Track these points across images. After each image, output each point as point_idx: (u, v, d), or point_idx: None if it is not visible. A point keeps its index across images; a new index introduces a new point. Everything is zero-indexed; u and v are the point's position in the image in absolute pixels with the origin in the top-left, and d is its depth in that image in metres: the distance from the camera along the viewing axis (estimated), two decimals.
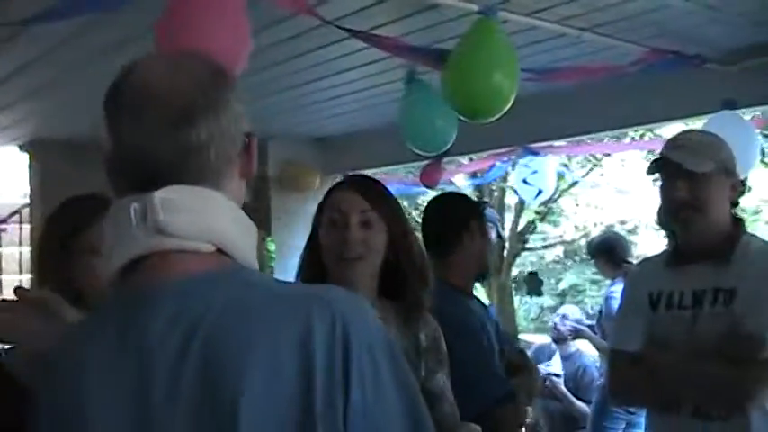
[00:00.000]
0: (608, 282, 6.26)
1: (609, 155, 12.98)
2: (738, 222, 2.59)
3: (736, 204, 2.58)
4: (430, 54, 3.56)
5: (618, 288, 5.83)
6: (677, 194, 2.48)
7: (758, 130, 5.67)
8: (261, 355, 1.09)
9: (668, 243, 2.71)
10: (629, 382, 2.62)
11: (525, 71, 3.48)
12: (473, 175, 10.78)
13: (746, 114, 4.94)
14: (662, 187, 2.57)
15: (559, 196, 14.12)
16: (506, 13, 3.45)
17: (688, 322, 2.48)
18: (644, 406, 2.64)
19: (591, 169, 14.26)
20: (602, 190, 15.79)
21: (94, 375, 1.16)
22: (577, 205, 16.04)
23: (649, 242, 17.07)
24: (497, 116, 3.31)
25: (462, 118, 3.41)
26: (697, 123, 5.26)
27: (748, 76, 4.32)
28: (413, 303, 2.15)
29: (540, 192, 6.04)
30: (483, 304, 3.06)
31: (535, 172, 5.93)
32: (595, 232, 15.52)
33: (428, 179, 6.19)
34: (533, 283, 8.88)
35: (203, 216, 1.17)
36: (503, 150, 6.13)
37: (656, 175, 2.59)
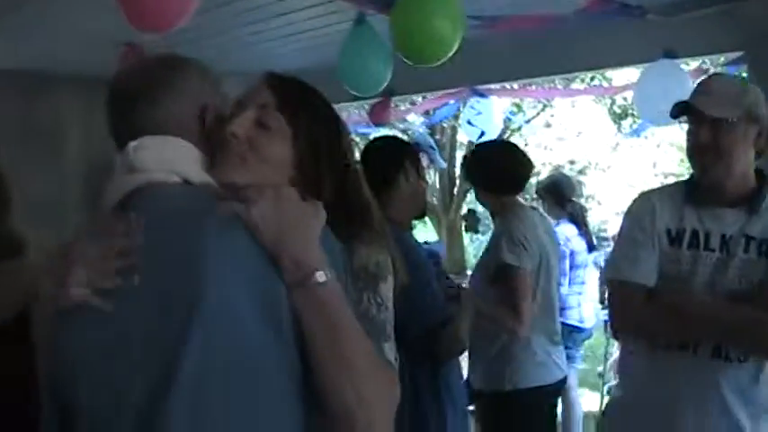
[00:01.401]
0: (551, 218, 6.44)
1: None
2: (760, 173, 2.53)
3: (761, 153, 2.51)
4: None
5: (563, 229, 6.00)
6: (699, 140, 2.45)
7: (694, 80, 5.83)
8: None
9: (688, 180, 2.61)
10: (647, 316, 2.50)
11: (471, 18, 3.57)
12: (426, 113, 10.90)
13: (686, 64, 5.09)
14: (687, 131, 2.54)
15: (510, 136, 14.29)
16: None
17: (713, 264, 2.45)
18: (656, 342, 2.50)
19: (542, 110, 14.44)
20: (553, 130, 16.00)
21: None
22: (526, 145, 16.25)
23: (598, 182, 17.42)
24: (441, 61, 3.42)
25: (408, 62, 3.50)
26: (637, 71, 5.42)
27: (687, 28, 4.44)
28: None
29: (482, 133, 6.16)
30: (417, 240, 3.24)
31: (479, 113, 6.03)
32: (545, 172, 15.78)
33: (377, 118, 6.28)
34: (471, 221, 9.05)
35: (165, 153, 1.51)
36: (451, 91, 6.23)
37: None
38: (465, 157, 4.08)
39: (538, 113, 14.40)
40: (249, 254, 1.37)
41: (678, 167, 16.71)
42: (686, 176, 2.65)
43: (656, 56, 4.59)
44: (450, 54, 3.35)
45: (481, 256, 3.93)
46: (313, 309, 1.36)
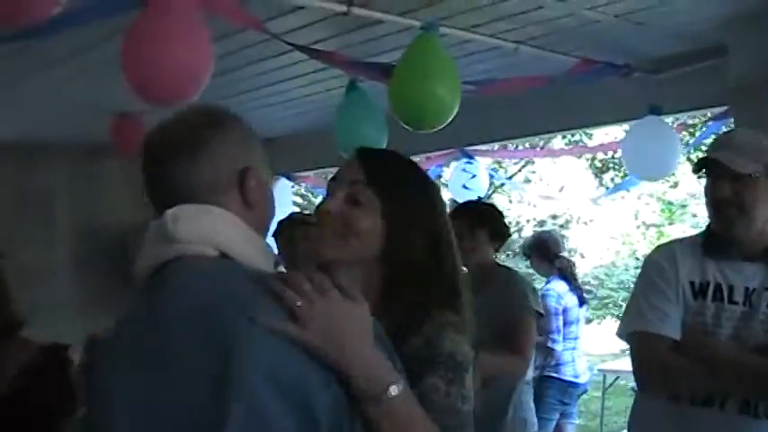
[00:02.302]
0: (540, 276, 6.46)
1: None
2: None
3: None
4: (373, 68, 3.71)
5: (554, 286, 6.00)
6: (721, 194, 2.43)
7: (681, 135, 5.95)
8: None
9: (705, 232, 2.59)
10: (673, 368, 2.43)
11: (465, 83, 3.65)
12: None
13: (669, 119, 5.19)
14: (706, 186, 2.51)
15: (493, 192, 14.40)
16: (445, 27, 3.61)
17: (738, 318, 2.42)
18: (683, 395, 2.44)
19: (523, 166, 14.60)
20: (535, 186, 16.12)
21: (126, 347, 1.42)
22: (510, 201, 16.35)
23: (581, 235, 17.51)
24: (441, 126, 3.49)
25: (407, 128, 3.57)
26: (625, 128, 5.52)
27: (672, 84, 4.54)
28: (404, 318, 1.59)
29: (479, 197, 6.22)
30: None
31: (474, 176, 6.10)
32: (528, 228, 15.88)
33: None
34: None
35: (203, 224, 1.43)
36: (439, 153, 6.29)
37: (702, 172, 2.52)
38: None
39: (519, 170, 14.55)
40: (285, 360, 1.29)
41: (659, 218, 16.84)
42: (696, 230, 2.66)
43: (641, 113, 4.66)
44: (450, 118, 3.42)
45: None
46: (389, 421, 1.34)
